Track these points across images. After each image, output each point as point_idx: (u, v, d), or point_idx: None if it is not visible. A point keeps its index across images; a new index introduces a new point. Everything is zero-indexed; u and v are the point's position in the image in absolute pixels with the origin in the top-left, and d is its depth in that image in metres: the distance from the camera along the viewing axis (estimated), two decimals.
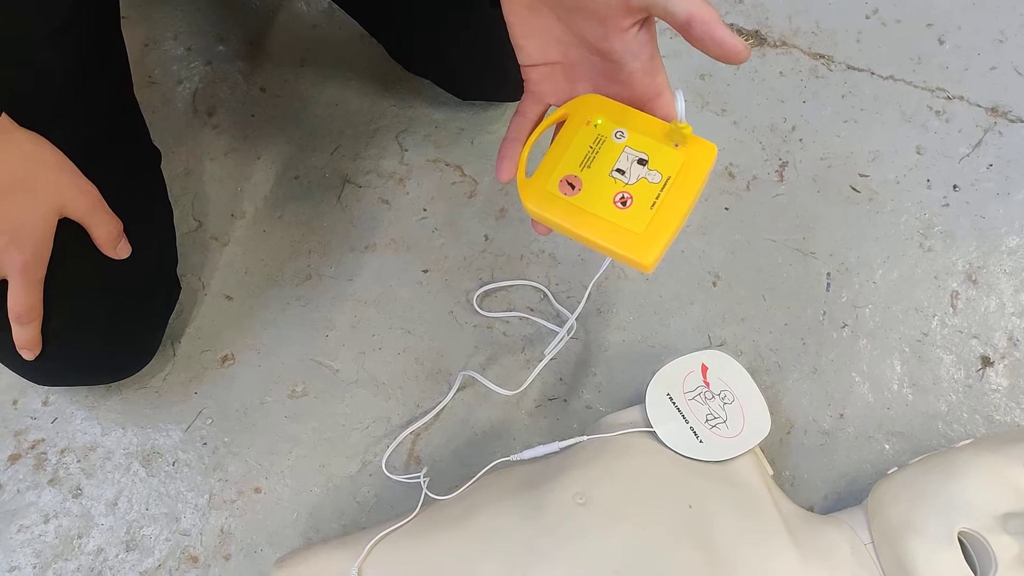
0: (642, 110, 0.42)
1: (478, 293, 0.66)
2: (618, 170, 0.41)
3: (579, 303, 0.66)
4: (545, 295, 0.66)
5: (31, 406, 0.63)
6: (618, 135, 0.42)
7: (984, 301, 0.66)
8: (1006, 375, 0.63)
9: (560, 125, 0.43)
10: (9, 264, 0.50)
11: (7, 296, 0.51)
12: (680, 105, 0.39)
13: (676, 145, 0.41)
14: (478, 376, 0.59)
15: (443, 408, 0.62)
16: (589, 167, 0.42)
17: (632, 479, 0.49)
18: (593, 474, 0.49)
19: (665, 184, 0.41)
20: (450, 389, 0.62)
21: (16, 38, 0.51)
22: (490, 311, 0.65)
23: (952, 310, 0.65)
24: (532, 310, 0.66)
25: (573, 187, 0.41)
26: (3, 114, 0.49)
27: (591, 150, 0.42)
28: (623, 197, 0.41)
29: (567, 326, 0.57)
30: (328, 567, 0.49)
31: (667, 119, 0.41)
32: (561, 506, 0.48)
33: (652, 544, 0.46)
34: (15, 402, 0.63)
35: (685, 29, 0.37)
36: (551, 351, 0.60)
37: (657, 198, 0.40)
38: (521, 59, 0.43)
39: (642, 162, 0.41)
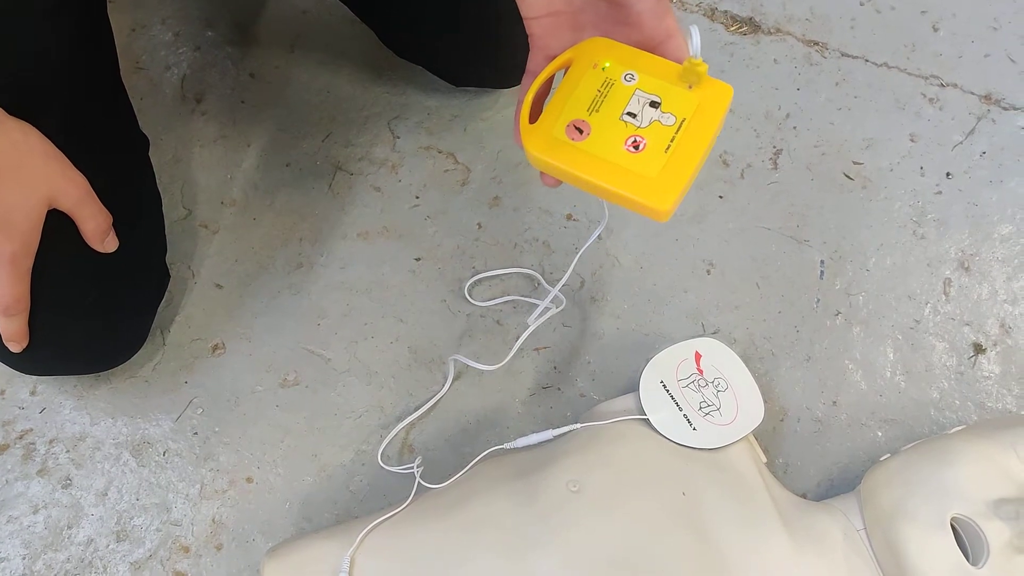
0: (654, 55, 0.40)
1: (470, 283, 0.65)
2: (629, 113, 0.39)
3: (573, 290, 0.66)
4: (539, 283, 0.66)
5: (19, 396, 0.62)
6: (628, 78, 0.39)
7: (976, 288, 0.66)
8: (998, 362, 0.63)
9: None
10: None
11: None
12: (696, 41, 0.37)
13: (690, 87, 0.39)
14: (463, 359, 0.58)
15: (439, 399, 0.61)
16: (597, 111, 0.39)
17: (625, 466, 0.49)
18: (587, 461, 0.49)
19: (680, 126, 0.38)
20: (444, 378, 0.62)
21: (10, 24, 0.50)
22: (482, 300, 0.65)
23: (945, 297, 0.66)
24: (524, 296, 0.65)
25: (581, 132, 0.39)
26: None
27: (599, 94, 0.39)
28: (635, 141, 0.38)
29: (550, 297, 0.56)
30: (321, 556, 0.48)
31: (679, 62, 0.39)
32: (555, 494, 0.47)
33: (646, 531, 0.46)
34: (2, 392, 0.62)
35: None
36: (535, 320, 0.58)
37: (672, 141, 0.38)
38: (524, 11, 0.41)
39: (654, 104, 0.39)
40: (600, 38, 0.40)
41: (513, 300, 0.65)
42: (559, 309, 0.62)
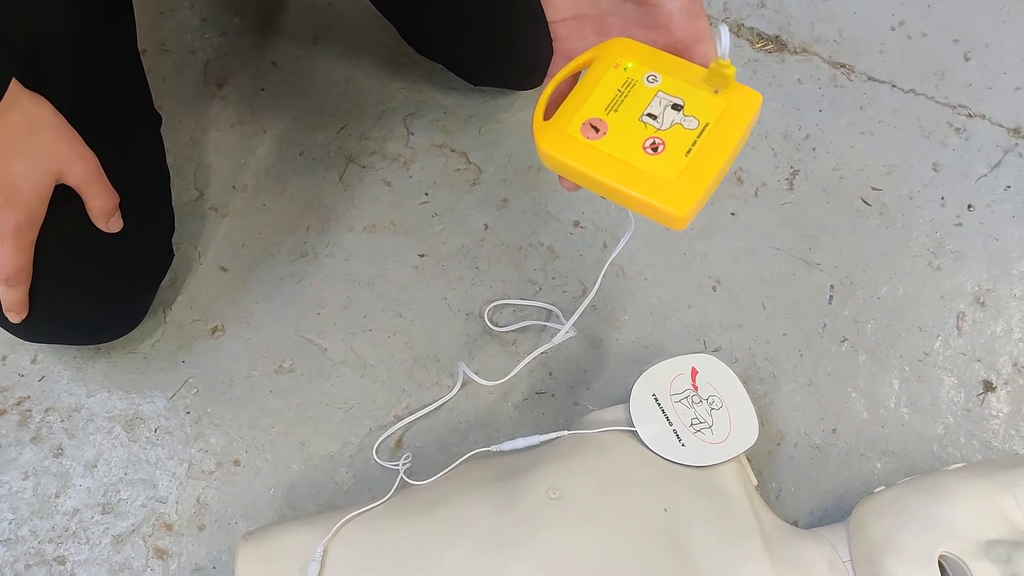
0: (681, 58, 0.38)
1: (490, 307, 0.64)
2: (649, 115, 0.37)
3: (574, 298, 0.65)
4: (554, 315, 0.64)
5: (20, 363, 0.63)
6: (650, 79, 0.38)
7: (991, 325, 0.64)
8: (1008, 401, 0.61)
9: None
10: (2, 225, 0.50)
11: None
12: (724, 41, 0.35)
13: (716, 91, 0.37)
14: (469, 372, 0.58)
15: (443, 401, 0.60)
16: (616, 111, 0.38)
17: (608, 477, 0.48)
18: (569, 469, 0.48)
19: (702, 131, 0.37)
20: (437, 376, 0.62)
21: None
22: (499, 325, 0.63)
23: (957, 331, 0.64)
24: (523, 306, 0.65)
25: (597, 130, 0.37)
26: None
27: (619, 93, 0.38)
28: (654, 143, 0.37)
29: (567, 327, 0.55)
30: (296, 543, 0.48)
31: (707, 66, 0.38)
32: (533, 498, 0.47)
33: (621, 544, 0.45)
34: (4, 358, 0.63)
35: None
36: (553, 341, 0.58)
37: (693, 145, 0.36)
38: (549, 14, 0.40)
39: (677, 107, 0.37)
40: (623, 39, 0.39)
41: (515, 305, 0.65)
42: (572, 335, 0.61)
